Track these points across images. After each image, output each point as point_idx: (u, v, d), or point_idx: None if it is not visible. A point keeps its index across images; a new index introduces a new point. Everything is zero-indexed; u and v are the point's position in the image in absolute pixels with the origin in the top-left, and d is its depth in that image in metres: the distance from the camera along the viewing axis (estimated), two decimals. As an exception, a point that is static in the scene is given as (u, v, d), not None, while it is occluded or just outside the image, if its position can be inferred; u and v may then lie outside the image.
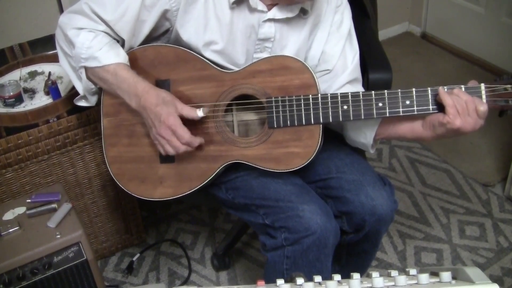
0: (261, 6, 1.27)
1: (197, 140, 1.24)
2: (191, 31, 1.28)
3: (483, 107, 1.13)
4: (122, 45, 1.28)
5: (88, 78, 1.28)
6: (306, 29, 1.34)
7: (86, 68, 1.26)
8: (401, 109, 1.18)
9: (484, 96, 1.15)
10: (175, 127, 1.20)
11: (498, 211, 2.10)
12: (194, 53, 1.29)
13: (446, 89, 1.16)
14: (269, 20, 1.28)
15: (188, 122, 1.23)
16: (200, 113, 1.23)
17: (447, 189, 2.21)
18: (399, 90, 1.18)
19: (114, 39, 1.27)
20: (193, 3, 1.25)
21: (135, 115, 1.30)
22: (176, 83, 1.29)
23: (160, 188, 1.33)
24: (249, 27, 1.29)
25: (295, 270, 1.29)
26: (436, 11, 3.13)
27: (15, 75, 1.75)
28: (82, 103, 1.37)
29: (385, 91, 1.19)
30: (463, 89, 1.16)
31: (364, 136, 1.33)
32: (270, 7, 1.28)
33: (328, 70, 1.37)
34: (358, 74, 1.41)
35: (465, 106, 1.13)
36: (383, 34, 3.15)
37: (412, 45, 3.20)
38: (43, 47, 1.82)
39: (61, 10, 2.03)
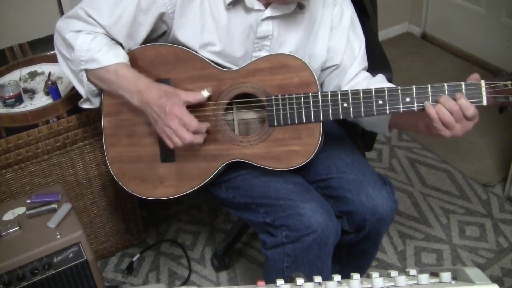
0: (258, 5, 1.27)
1: (204, 125, 1.23)
2: (188, 33, 1.28)
3: (470, 112, 1.12)
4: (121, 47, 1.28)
5: (89, 80, 1.28)
6: (304, 25, 1.33)
7: (86, 71, 1.26)
8: (401, 106, 1.18)
9: (484, 93, 1.15)
10: (181, 115, 1.19)
11: (498, 211, 2.10)
12: (194, 52, 1.29)
13: (446, 87, 1.16)
14: (267, 18, 1.28)
15: None
16: (205, 93, 1.24)
17: (447, 189, 2.21)
18: (399, 87, 1.18)
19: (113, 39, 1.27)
20: (189, 5, 1.25)
21: (135, 115, 1.30)
22: (176, 82, 1.29)
23: (160, 188, 1.33)
24: (247, 27, 1.29)
25: (295, 268, 1.29)
26: (436, 11, 3.13)
27: (15, 75, 1.75)
28: (86, 106, 1.37)
29: (385, 88, 1.19)
30: (463, 85, 1.15)
31: (379, 128, 1.35)
32: (266, 5, 1.28)
33: (336, 65, 1.38)
34: (366, 63, 1.41)
35: (450, 117, 1.13)
36: (383, 34, 3.15)
37: (412, 45, 3.20)
38: (43, 47, 1.83)
39: (61, 10, 2.03)
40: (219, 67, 1.28)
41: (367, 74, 1.41)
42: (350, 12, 1.38)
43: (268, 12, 1.27)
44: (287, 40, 1.33)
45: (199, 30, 1.27)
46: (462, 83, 1.16)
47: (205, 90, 1.24)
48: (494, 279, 1.82)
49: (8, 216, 1.50)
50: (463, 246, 1.97)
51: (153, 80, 1.27)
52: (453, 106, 1.12)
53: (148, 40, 1.32)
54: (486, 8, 2.84)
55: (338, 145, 1.45)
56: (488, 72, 2.87)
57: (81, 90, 1.33)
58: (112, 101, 1.32)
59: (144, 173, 1.33)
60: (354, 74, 1.37)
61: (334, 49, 1.37)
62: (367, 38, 1.44)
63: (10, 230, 1.44)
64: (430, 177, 2.28)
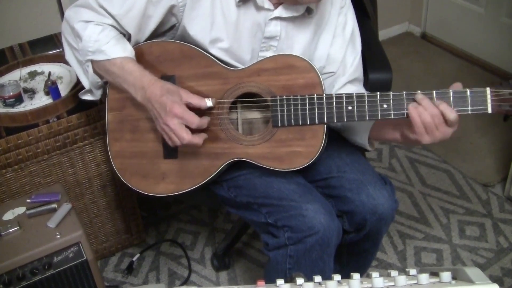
0: (268, 4, 1.27)
1: (205, 120, 1.23)
2: (197, 28, 1.28)
3: (452, 116, 1.12)
4: (128, 40, 1.28)
5: (95, 71, 1.28)
6: (311, 29, 1.34)
7: (92, 62, 1.26)
8: (406, 111, 1.18)
9: (489, 101, 1.14)
10: (182, 114, 1.19)
11: (498, 211, 2.10)
12: (200, 50, 1.29)
13: (452, 93, 1.15)
14: (275, 18, 1.29)
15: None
16: (209, 102, 1.23)
17: (447, 189, 2.21)
18: (404, 92, 1.17)
19: (121, 33, 1.27)
20: (200, 0, 1.25)
21: (139, 110, 1.30)
22: (181, 79, 1.29)
23: (162, 184, 1.32)
24: (255, 25, 1.30)
25: (298, 270, 1.29)
26: (436, 11, 3.13)
27: (15, 75, 1.75)
28: (87, 97, 1.37)
29: (390, 92, 1.18)
30: (468, 92, 1.14)
31: (360, 137, 1.35)
32: (276, 5, 1.28)
33: (332, 72, 1.39)
34: (358, 74, 1.42)
35: (432, 122, 1.12)
36: (383, 34, 3.15)
37: (412, 45, 3.20)
38: (43, 47, 1.82)
39: (61, 10, 2.03)
40: (224, 66, 1.28)
41: (360, 87, 1.42)
42: (352, 23, 1.39)
43: (277, 13, 1.28)
44: (295, 43, 1.33)
45: (208, 26, 1.27)
46: (468, 90, 1.15)
47: (210, 100, 1.24)
48: (494, 279, 1.82)
49: (8, 216, 1.50)
50: (463, 246, 1.97)
51: (158, 76, 1.27)
52: (434, 111, 1.12)
53: (156, 33, 1.31)
54: (486, 8, 2.84)
55: (339, 145, 1.45)
56: (488, 72, 2.87)
57: (85, 81, 1.33)
58: (116, 96, 1.32)
59: (146, 168, 1.33)
60: (343, 83, 1.38)
61: (333, 57, 1.38)
62: (367, 38, 1.44)
63: (10, 230, 1.44)
64: (430, 177, 2.28)
